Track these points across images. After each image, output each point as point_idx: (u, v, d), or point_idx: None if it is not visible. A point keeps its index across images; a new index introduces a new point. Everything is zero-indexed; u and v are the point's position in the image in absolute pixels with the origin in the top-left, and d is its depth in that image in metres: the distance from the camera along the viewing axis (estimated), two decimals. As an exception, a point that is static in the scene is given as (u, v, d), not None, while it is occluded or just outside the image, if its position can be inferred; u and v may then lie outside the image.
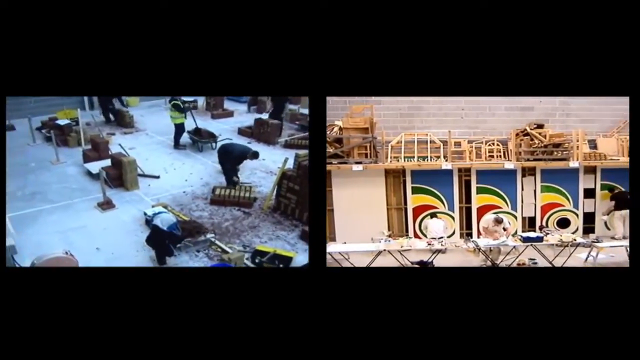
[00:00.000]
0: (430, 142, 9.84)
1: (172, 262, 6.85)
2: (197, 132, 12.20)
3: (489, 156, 9.97)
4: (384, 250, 7.46)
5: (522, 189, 9.44)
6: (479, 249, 7.74)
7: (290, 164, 8.56)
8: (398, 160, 9.62)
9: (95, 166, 9.84)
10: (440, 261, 7.63)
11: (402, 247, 7.56)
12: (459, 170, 9.31)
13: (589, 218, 9.65)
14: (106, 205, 8.49)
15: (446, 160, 9.41)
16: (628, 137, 9.92)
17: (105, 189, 8.63)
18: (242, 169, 9.81)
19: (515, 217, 9.38)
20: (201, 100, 16.15)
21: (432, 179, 9.26)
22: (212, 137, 12.09)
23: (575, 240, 7.80)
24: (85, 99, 15.45)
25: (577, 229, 9.48)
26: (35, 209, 8.53)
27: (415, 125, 10.18)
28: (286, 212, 8.27)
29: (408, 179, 9.28)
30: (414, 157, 9.84)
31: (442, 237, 7.98)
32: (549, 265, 7.47)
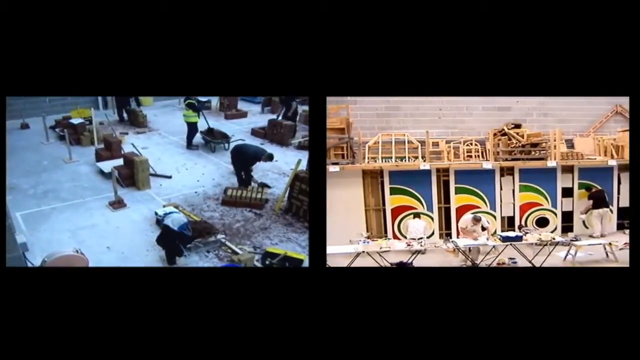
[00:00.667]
0: (408, 142, 9.66)
1: (181, 262, 6.80)
2: (209, 133, 12.19)
3: (467, 156, 9.84)
4: (363, 251, 7.33)
5: (501, 189, 9.43)
6: (459, 249, 7.67)
7: (303, 166, 8.49)
8: (375, 161, 9.41)
9: (107, 165, 9.86)
10: (419, 262, 7.56)
11: (381, 248, 7.43)
12: (437, 170, 9.24)
13: (567, 217, 9.73)
14: (117, 204, 8.48)
15: (424, 161, 9.25)
16: (604, 137, 10.12)
17: (116, 188, 8.63)
18: (254, 170, 9.77)
19: (495, 217, 9.33)
20: (215, 101, 16.19)
21: (411, 179, 9.17)
22: (224, 137, 12.08)
23: (554, 239, 7.86)
24: (100, 98, 15.58)
25: (555, 228, 9.53)
26: (47, 207, 8.56)
27: (393, 125, 9.99)
28: (298, 214, 8.19)
29: (386, 179, 9.16)
30: (391, 157, 9.62)
31: (421, 238, 7.89)
32: (530, 265, 7.49)
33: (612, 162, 9.68)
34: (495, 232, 8.89)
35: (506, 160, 9.32)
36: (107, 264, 6.67)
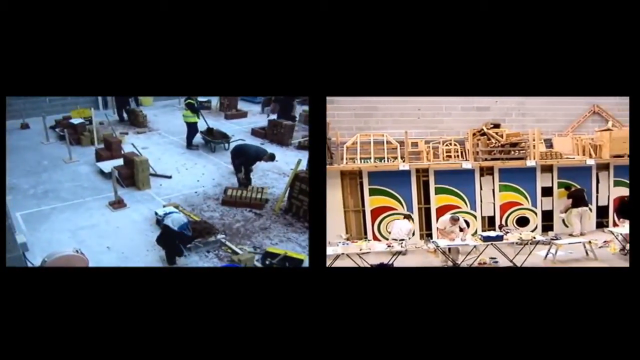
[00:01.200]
0: (387, 142, 9.56)
1: (182, 262, 6.80)
2: (209, 133, 12.19)
3: (447, 156, 9.74)
4: (342, 253, 7.24)
5: (481, 189, 9.44)
6: (440, 250, 7.65)
7: (303, 166, 8.48)
8: (354, 162, 9.31)
9: (107, 165, 9.86)
10: (400, 263, 7.53)
11: (361, 250, 7.36)
12: (417, 170, 9.18)
13: (547, 216, 9.79)
14: (117, 204, 8.48)
15: (403, 161, 9.20)
16: (582, 136, 10.22)
17: (117, 188, 8.62)
18: (254, 170, 9.77)
19: (475, 217, 9.34)
20: (215, 101, 16.19)
21: (390, 180, 9.11)
22: (225, 137, 12.08)
23: (534, 238, 7.91)
24: (100, 98, 15.59)
25: (536, 227, 9.58)
26: (47, 207, 8.56)
27: (371, 125, 9.87)
28: (298, 214, 8.19)
29: (365, 180, 9.09)
30: (370, 158, 9.51)
31: (403, 239, 7.81)
32: (511, 264, 7.54)
33: (591, 162, 9.79)
34: (476, 232, 8.91)
35: (486, 160, 9.30)
36: (107, 264, 6.66)
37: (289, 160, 10.61)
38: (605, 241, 8.76)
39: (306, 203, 7.99)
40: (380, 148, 9.52)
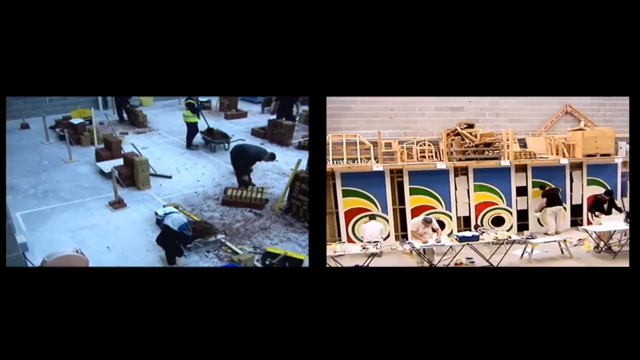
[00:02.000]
0: (360, 143, 9.44)
1: (182, 262, 6.80)
2: (209, 133, 12.18)
3: (421, 157, 9.68)
4: None
5: (456, 189, 9.42)
6: (415, 251, 7.56)
7: (303, 166, 8.48)
8: (326, 163, 9.15)
9: (107, 165, 9.87)
10: (376, 265, 7.46)
11: (335, 252, 7.28)
12: (391, 171, 9.12)
13: (523, 215, 9.83)
14: (117, 204, 8.48)
15: (377, 162, 9.10)
16: (555, 136, 10.31)
17: (117, 188, 8.62)
18: (255, 170, 9.76)
19: (450, 217, 9.31)
20: (215, 101, 16.19)
21: (364, 181, 9.02)
22: (224, 137, 12.08)
23: (510, 237, 7.92)
24: (100, 98, 15.60)
25: (511, 227, 9.62)
26: (47, 207, 8.56)
27: (343, 126, 9.75)
28: (298, 214, 8.18)
29: (338, 182, 8.97)
30: (343, 159, 9.38)
31: (377, 241, 7.70)
32: (487, 264, 7.53)
33: (564, 161, 9.88)
34: (451, 232, 8.87)
35: (460, 160, 9.28)
36: (107, 264, 6.66)
37: (289, 160, 10.61)
38: (579, 239, 8.87)
39: (306, 203, 7.99)
40: (353, 149, 9.39)
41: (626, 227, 8.07)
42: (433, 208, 9.22)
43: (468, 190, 9.50)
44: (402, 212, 9.24)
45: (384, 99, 9.82)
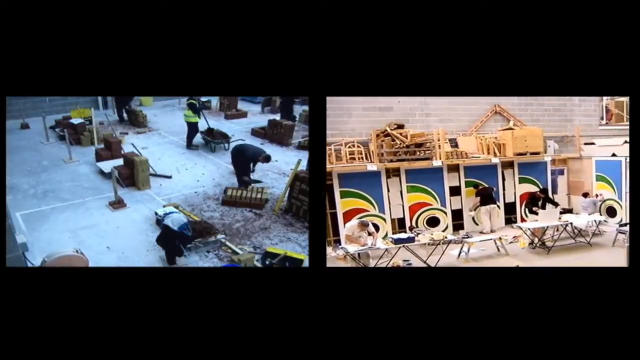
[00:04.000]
0: None
1: (181, 262, 6.79)
2: (209, 133, 12.18)
3: (350, 158, 9.34)
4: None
5: (388, 191, 9.33)
6: (349, 255, 7.37)
7: (303, 166, 8.48)
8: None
9: (107, 165, 9.87)
10: None
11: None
12: None
13: (457, 215, 9.85)
14: (117, 204, 8.48)
15: None
16: (485, 135, 10.42)
17: (117, 188, 8.62)
18: (255, 170, 9.76)
19: (384, 220, 9.22)
20: (215, 101, 16.19)
21: None
22: (224, 137, 12.08)
23: (446, 237, 7.95)
24: (100, 98, 15.61)
25: (447, 227, 9.62)
26: (47, 207, 8.56)
27: None
28: (298, 214, 8.18)
29: None
30: None
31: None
32: (425, 265, 7.49)
33: (495, 160, 9.96)
34: (386, 235, 8.78)
35: (391, 161, 9.14)
36: (107, 264, 6.66)
37: (289, 160, 10.61)
38: (514, 236, 8.99)
39: (306, 203, 7.99)
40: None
41: (558, 223, 8.54)
42: (366, 211, 9.03)
43: (401, 191, 9.41)
44: (334, 216, 8.90)
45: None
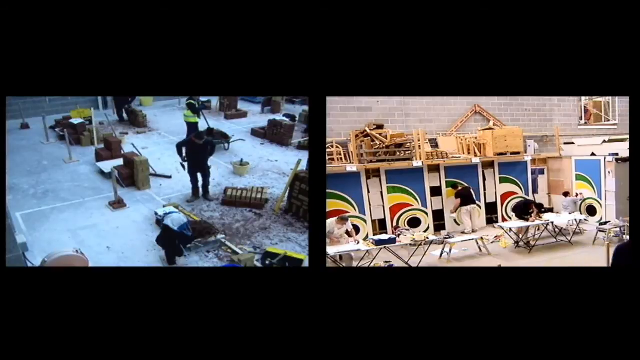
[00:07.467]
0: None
1: (182, 262, 6.80)
2: (209, 133, 12.16)
3: (329, 159, 9.28)
4: None
5: (368, 192, 9.27)
6: (330, 258, 7.27)
7: (303, 166, 8.48)
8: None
9: (107, 165, 9.86)
10: None
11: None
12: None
13: (439, 215, 9.85)
14: (117, 204, 8.48)
15: None
16: (465, 135, 10.46)
17: (116, 188, 8.62)
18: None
19: (365, 221, 9.18)
20: (215, 101, 16.18)
21: None
22: (224, 137, 12.06)
23: (427, 238, 7.90)
24: (100, 98, 15.60)
25: (428, 227, 9.60)
26: (47, 207, 8.55)
27: None
28: (298, 214, 8.18)
29: None
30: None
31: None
32: (406, 266, 7.44)
33: (476, 160, 9.99)
34: (367, 236, 8.74)
35: (371, 162, 9.08)
36: (107, 264, 6.67)
37: (289, 160, 10.60)
38: (496, 236, 9.04)
39: (306, 203, 7.99)
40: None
41: (540, 222, 8.65)
42: (346, 212, 8.85)
43: (381, 192, 9.37)
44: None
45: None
